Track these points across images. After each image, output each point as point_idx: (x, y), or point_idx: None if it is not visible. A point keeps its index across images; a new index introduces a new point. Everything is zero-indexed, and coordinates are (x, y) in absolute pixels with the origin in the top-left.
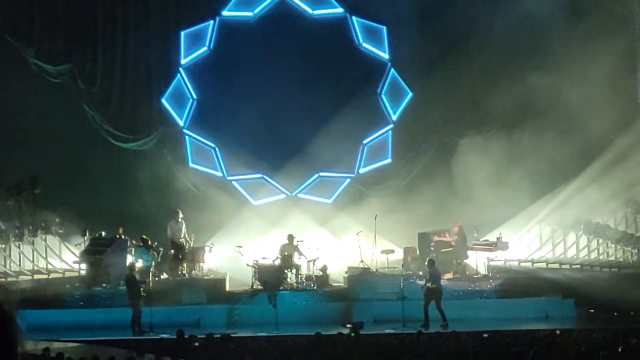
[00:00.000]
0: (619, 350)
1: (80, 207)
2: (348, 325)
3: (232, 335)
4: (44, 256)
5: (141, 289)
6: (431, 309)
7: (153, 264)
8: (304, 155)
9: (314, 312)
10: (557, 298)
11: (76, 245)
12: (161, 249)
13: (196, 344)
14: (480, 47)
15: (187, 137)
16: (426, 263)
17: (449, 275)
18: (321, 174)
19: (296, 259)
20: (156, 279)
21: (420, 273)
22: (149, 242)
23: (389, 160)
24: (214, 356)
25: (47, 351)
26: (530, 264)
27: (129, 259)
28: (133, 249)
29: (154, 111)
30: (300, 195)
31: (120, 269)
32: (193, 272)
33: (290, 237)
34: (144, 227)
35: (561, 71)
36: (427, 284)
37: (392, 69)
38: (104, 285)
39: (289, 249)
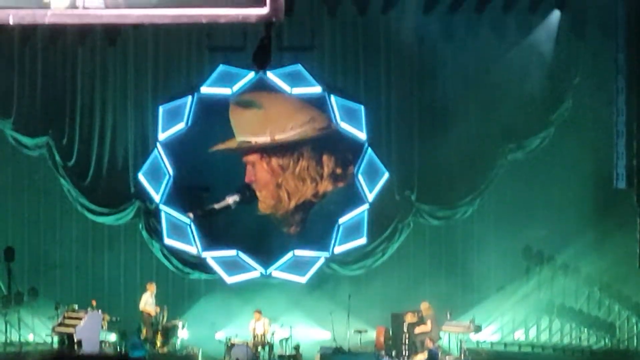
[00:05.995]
0: None
1: (54, 280)
2: None
3: None
4: (17, 329)
5: None
6: None
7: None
8: (279, 232)
9: None
10: None
11: (49, 318)
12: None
13: None
14: (457, 127)
15: (162, 212)
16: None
17: (421, 356)
18: (296, 252)
19: (268, 336)
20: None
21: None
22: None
23: (364, 240)
24: None
25: None
26: (503, 346)
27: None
28: (106, 324)
29: (130, 186)
30: (274, 273)
31: (93, 343)
32: (165, 347)
33: (258, 313)
34: (118, 300)
35: (537, 153)
36: None
37: (369, 149)
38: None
39: (259, 325)
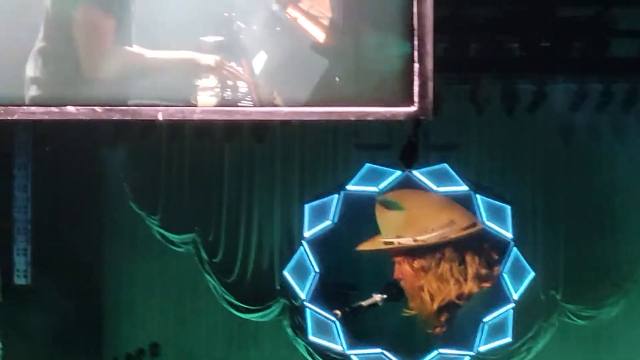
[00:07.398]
0: None
1: None
2: None
3: None
4: None
5: None
6: None
7: None
8: (423, 332)
9: None
10: None
11: None
12: None
13: None
14: (603, 227)
15: (307, 309)
16: None
17: None
18: (441, 351)
19: None
20: None
21: None
22: None
23: (509, 339)
24: None
25: None
26: None
27: None
28: None
29: (275, 283)
30: None
31: None
32: None
33: None
34: None
35: None
36: None
37: (515, 248)
38: None
39: None
